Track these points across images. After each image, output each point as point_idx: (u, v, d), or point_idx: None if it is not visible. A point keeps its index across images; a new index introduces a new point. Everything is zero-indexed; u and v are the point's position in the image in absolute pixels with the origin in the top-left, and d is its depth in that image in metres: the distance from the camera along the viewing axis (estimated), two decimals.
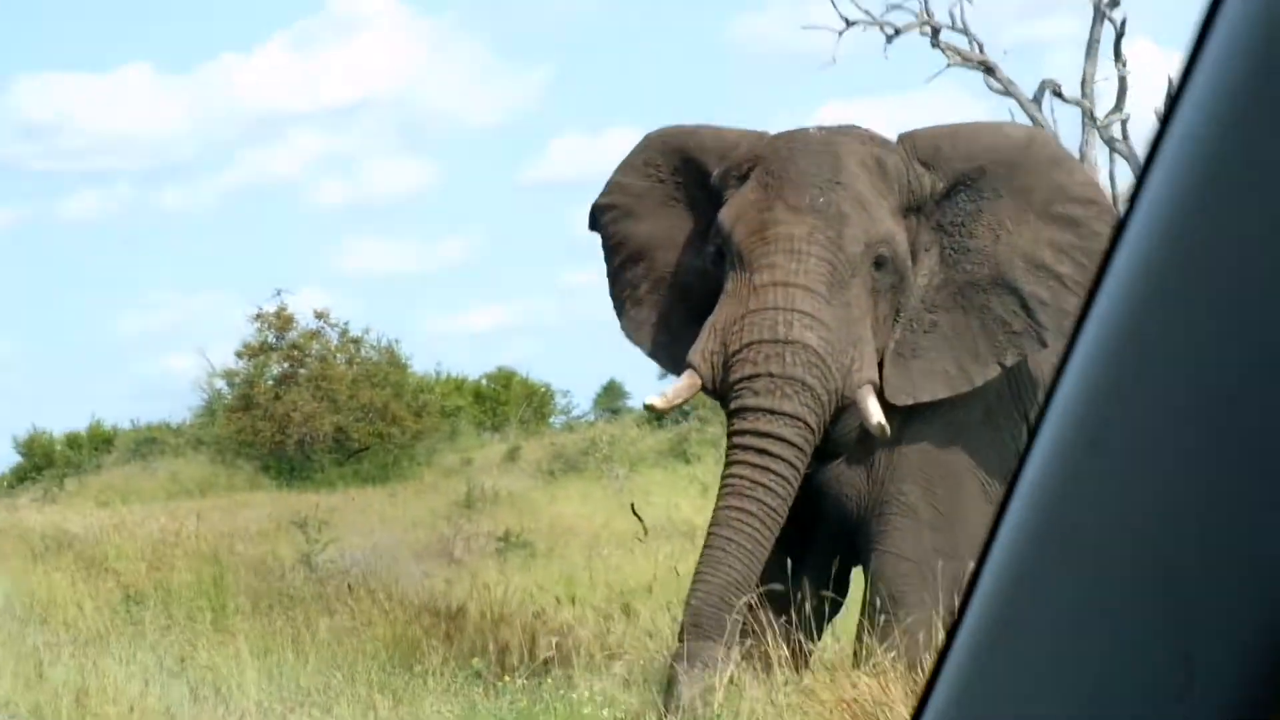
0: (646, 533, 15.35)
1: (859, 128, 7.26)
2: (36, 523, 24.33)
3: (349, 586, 11.10)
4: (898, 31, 35.19)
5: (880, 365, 7.02)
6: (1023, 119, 34.82)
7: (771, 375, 6.59)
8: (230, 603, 11.45)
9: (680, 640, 6.69)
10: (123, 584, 13.32)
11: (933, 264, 7.19)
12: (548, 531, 16.64)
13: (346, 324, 41.34)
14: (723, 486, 6.71)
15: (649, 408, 7.19)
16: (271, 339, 39.35)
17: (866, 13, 34.96)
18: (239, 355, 41.50)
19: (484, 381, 52.64)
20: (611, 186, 7.85)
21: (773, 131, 7.38)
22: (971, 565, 4.84)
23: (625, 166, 7.80)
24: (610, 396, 62.49)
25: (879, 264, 6.93)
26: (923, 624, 7.03)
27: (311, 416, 38.69)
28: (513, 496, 22.87)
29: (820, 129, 7.21)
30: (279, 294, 40.70)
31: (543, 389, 53.49)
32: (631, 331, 7.57)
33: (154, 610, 11.64)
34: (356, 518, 21.05)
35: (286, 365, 40.52)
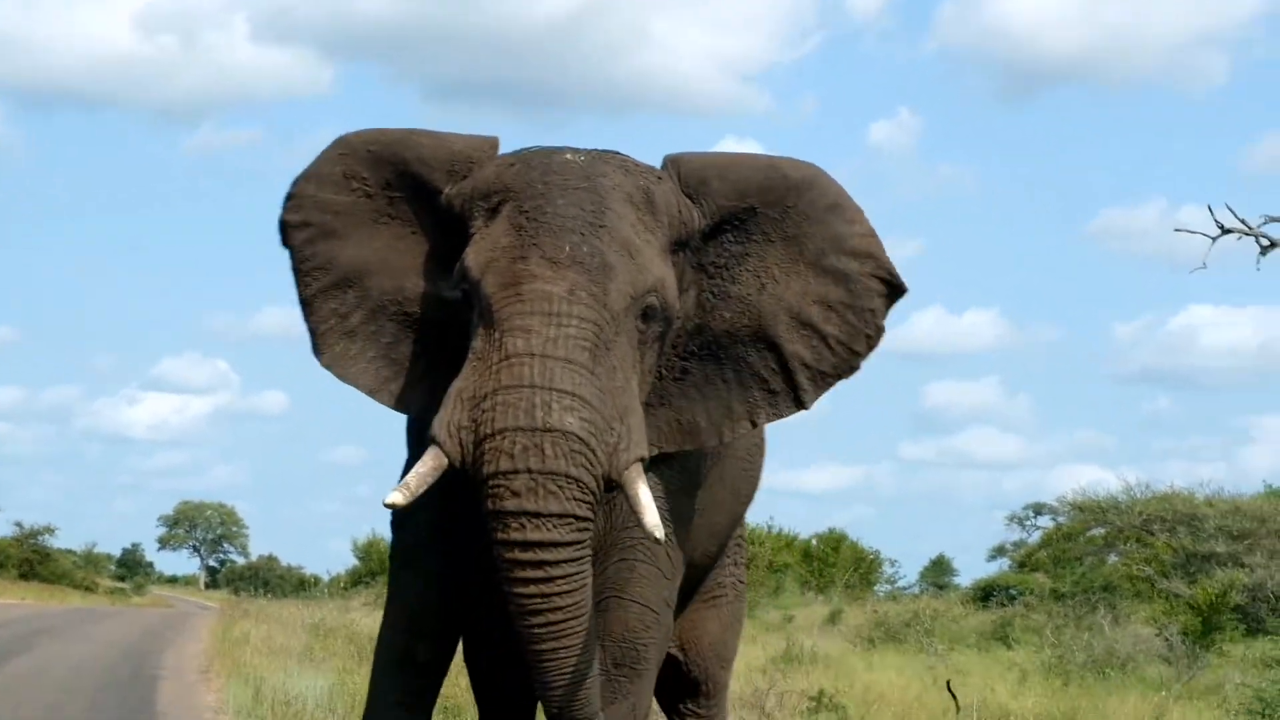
0: (959, 711, 15.18)
1: (620, 154, 6.40)
2: (365, 625, 24.97)
3: None
4: (1273, 244, 34.55)
5: None
6: None
7: (531, 471, 5.67)
8: None
9: None
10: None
11: (689, 306, 6.39)
12: (861, 698, 16.51)
13: None
14: (513, 605, 5.81)
15: (391, 506, 5.84)
16: None
17: (1243, 221, 34.42)
18: None
19: (814, 541, 52.60)
20: (302, 201, 6.55)
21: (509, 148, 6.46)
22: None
23: (317, 178, 6.55)
24: (937, 571, 61.82)
25: (647, 315, 6.08)
26: (650, 686, 6.68)
27: None
28: (829, 658, 22.75)
29: (575, 152, 6.29)
30: None
31: (872, 555, 53.19)
32: (341, 367, 6.46)
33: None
34: None
35: None
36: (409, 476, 5.81)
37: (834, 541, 52.53)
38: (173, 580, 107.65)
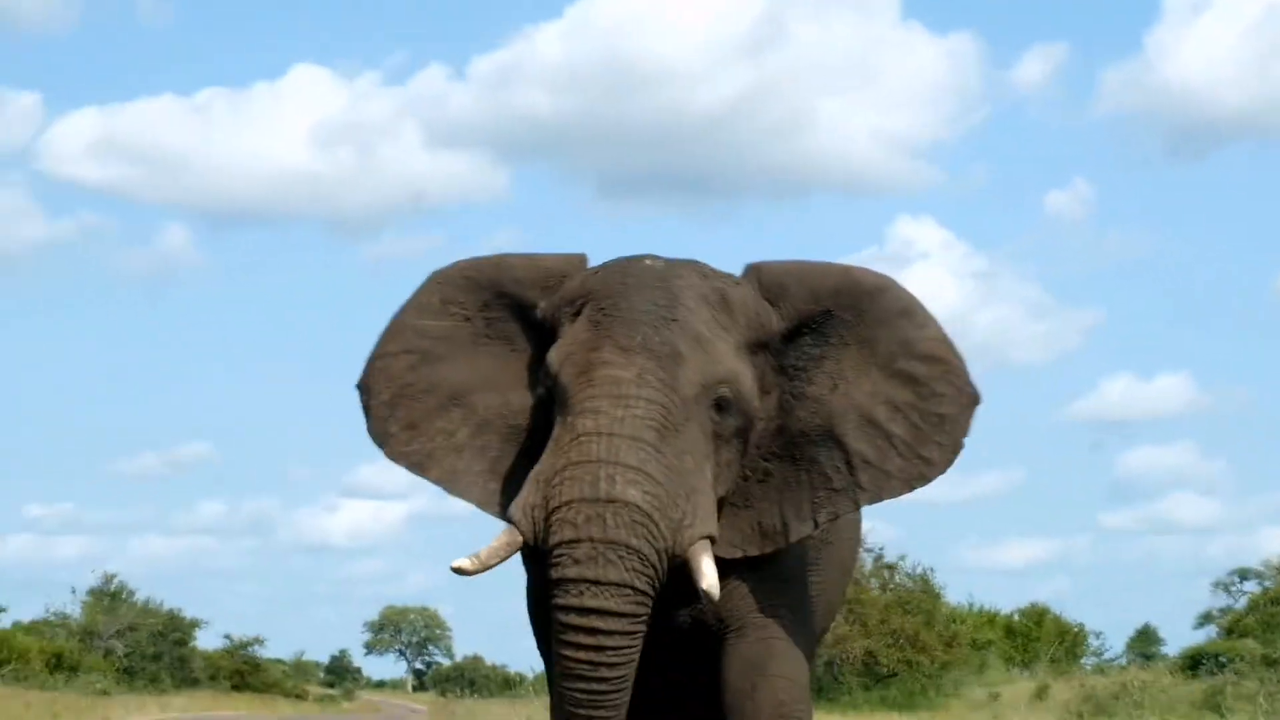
0: None
1: (700, 262, 6.69)
2: None
3: None
4: None
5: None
6: None
7: (593, 540, 5.94)
8: None
9: None
10: None
11: (770, 408, 6.60)
12: None
13: (882, 549, 41.65)
14: (559, 667, 6.03)
15: (457, 571, 6.13)
16: None
17: None
18: None
19: (1016, 616, 51.90)
20: (403, 329, 6.91)
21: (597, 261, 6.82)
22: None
23: (416, 307, 6.93)
24: (1143, 641, 60.68)
25: (720, 407, 6.32)
26: None
27: (843, 639, 38.86)
28: None
29: (654, 259, 6.60)
30: None
31: (1075, 629, 52.36)
32: (451, 483, 6.76)
33: None
34: None
35: None
36: (482, 549, 6.15)
37: (1036, 616, 51.82)
38: (380, 684, 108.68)
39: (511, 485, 6.62)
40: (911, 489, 6.64)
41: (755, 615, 6.65)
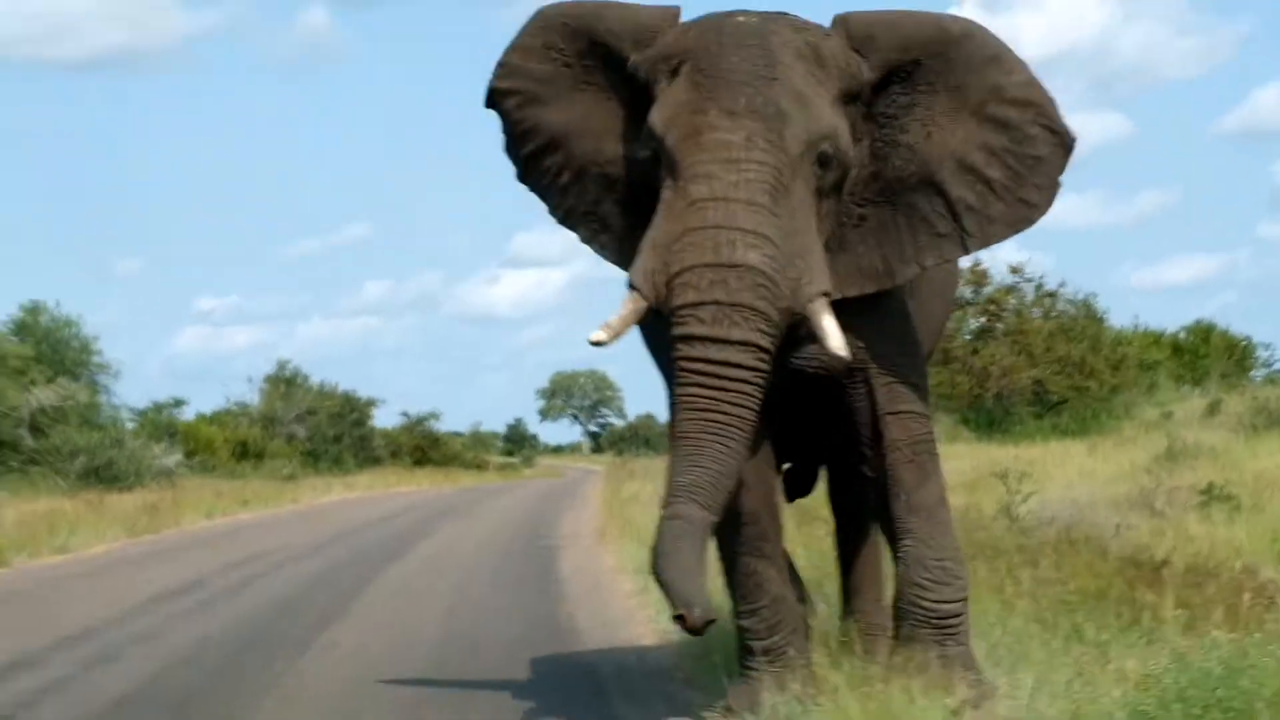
0: None
1: (790, 14, 6.79)
2: None
3: (1065, 538, 11.24)
4: None
5: None
6: None
7: (719, 303, 6.21)
8: None
9: (662, 509, 6.28)
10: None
11: (863, 156, 6.78)
12: (1252, 485, 16.29)
13: (1042, 278, 41.40)
14: (680, 406, 6.30)
15: (595, 343, 6.42)
16: (968, 294, 39.69)
17: None
18: None
19: (1182, 334, 51.49)
20: (510, 69, 7.22)
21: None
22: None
23: (521, 49, 7.20)
24: None
25: (822, 162, 6.54)
26: (941, 472, 7.23)
27: (1010, 370, 38.82)
28: (1214, 450, 22.37)
29: (747, 14, 6.71)
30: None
31: (1243, 342, 51.84)
32: (563, 218, 7.18)
33: None
34: (1055, 470, 21.11)
35: (984, 319, 40.90)
36: (611, 317, 6.43)
37: (1203, 332, 51.33)
38: (557, 449, 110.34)
39: (611, 231, 7.05)
40: (1017, 231, 6.86)
41: (875, 359, 7.02)
